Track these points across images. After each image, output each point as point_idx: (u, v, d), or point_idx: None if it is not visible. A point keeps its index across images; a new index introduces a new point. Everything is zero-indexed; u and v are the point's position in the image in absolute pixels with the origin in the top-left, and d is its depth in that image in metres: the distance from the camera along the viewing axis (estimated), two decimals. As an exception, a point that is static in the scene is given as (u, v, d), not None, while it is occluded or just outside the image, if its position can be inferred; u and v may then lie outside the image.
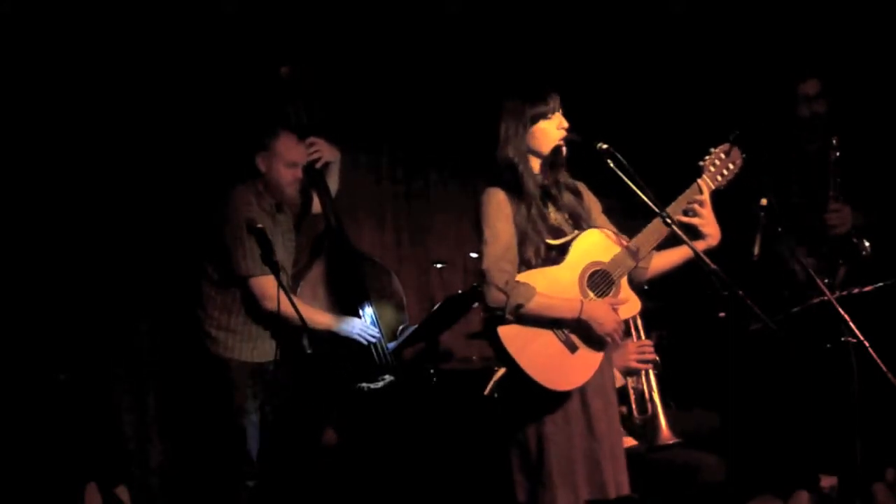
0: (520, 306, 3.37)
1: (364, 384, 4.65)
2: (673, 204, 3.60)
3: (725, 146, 3.69)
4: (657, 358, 4.15)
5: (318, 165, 4.73)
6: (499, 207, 3.45)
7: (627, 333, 4.15)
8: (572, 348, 3.47)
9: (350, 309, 4.69)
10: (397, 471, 4.71)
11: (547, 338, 3.44)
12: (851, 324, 3.98)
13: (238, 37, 5.11)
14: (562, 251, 3.51)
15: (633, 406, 4.18)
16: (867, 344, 3.92)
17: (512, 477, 3.49)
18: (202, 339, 4.42)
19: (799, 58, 5.60)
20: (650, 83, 5.96)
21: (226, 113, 5.03)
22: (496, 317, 3.38)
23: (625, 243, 3.57)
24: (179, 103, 5.01)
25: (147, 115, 4.96)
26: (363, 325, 4.60)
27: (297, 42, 5.26)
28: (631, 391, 4.19)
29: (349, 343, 4.57)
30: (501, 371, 3.41)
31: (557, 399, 3.45)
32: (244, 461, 4.33)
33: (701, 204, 3.62)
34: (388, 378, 4.67)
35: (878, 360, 3.86)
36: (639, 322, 4.24)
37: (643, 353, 4.11)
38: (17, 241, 4.62)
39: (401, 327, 4.86)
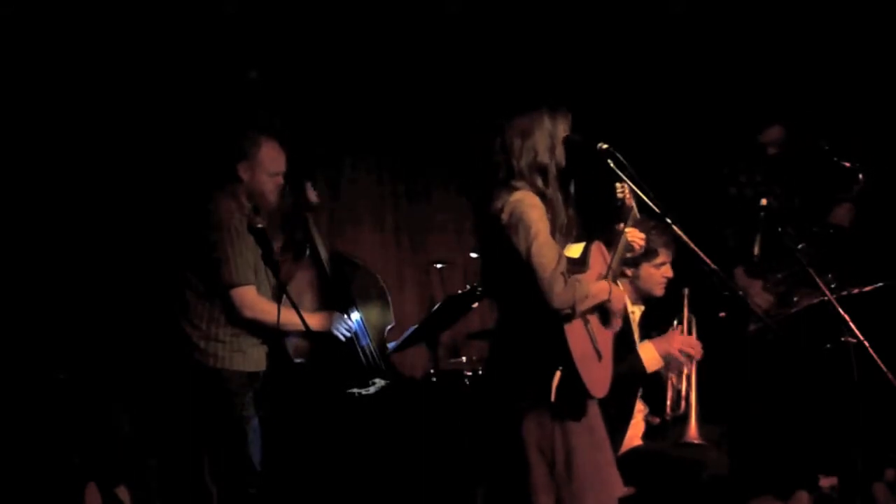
0: (585, 299, 3.40)
1: (356, 390, 4.62)
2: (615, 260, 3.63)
3: (618, 186, 3.67)
4: (698, 358, 4.15)
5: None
6: (541, 212, 3.42)
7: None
8: (599, 356, 3.50)
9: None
10: (397, 473, 4.71)
11: (586, 344, 3.46)
12: (851, 324, 3.99)
13: (234, 39, 5.09)
14: (581, 261, 3.53)
15: (669, 402, 4.21)
16: (867, 344, 3.92)
17: (529, 489, 3.42)
18: (191, 352, 4.27)
19: (797, 57, 5.62)
20: (650, 83, 5.97)
21: (201, 116, 4.96)
22: (559, 318, 3.37)
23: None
24: (158, 108, 4.95)
25: (121, 117, 4.90)
26: (340, 318, 4.50)
27: (296, 43, 5.26)
28: (670, 388, 4.21)
29: (335, 348, 4.52)
30: (559, 375, 3.37)
31: (581, 409, 3.46)
32: (247, 468, 4.29)
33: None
34: (379, 382, 4.63)
35: (878, 360, 3.87)
36: (693, 323, 4.29)
37: (690, 346, 4.11)
38: (16, 240, 4.62)
39: (388, 328, 4.82)
